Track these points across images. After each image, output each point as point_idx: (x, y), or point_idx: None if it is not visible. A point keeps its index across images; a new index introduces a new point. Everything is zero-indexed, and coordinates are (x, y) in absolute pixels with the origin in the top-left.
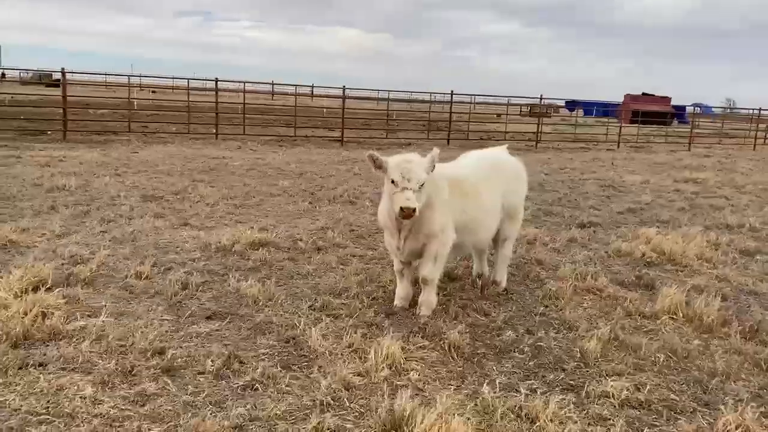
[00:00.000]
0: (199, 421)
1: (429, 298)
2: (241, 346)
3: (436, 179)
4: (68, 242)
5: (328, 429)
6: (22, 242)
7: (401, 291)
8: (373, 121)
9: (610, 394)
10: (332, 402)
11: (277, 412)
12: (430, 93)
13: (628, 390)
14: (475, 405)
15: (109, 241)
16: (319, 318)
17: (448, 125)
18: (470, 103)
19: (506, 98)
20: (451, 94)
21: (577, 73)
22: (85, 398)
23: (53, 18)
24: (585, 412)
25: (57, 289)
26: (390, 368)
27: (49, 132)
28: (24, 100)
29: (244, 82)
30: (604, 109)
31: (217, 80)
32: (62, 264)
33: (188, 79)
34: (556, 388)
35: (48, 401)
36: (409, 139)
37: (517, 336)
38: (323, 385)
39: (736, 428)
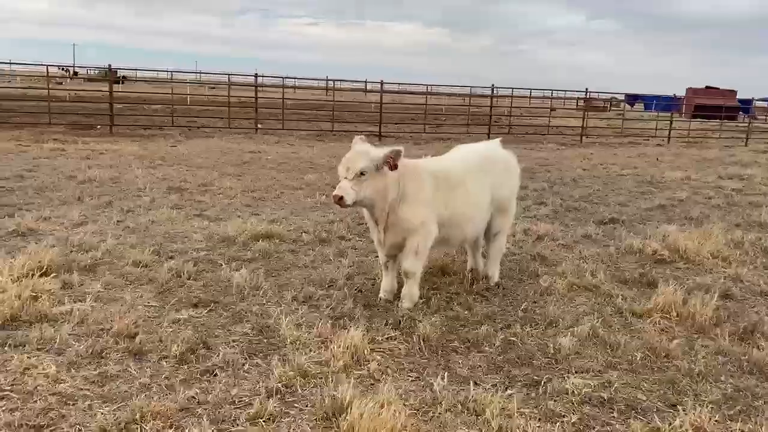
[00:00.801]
0: (146, 402)
1: (411, 291)
2: (215, 333)
3: (413, 174)
4: (83, 231)
5: (270, 414)
6: (41, 230)
7: (386, 284)
8: (419, 115)
9: (570, 390)
10: (284, 389)
11: (226, 396)
12: (470, 87)
13: (590, 387)
14: (423, 396)
15: (122, 230)
16: (297, 308)
17: (488, 120)
18: (527, 97)
19: (563, 92)
20: (492, 88)
21: (641, 66)
22: (48, 377)
23: (129, 17)
24: (539, 407)
25: (52, 275)
26: (352, 358)
27: (98, 126)
28: (85, 96)
29: (283, 78)
30: (666, 104)
31: (256, 76)
32: (70, 251)
33: (228, 74)
34: (518, 383)
35: (14, 379)
36: (450, 133)
37: (493, 330)
38: (277, 373)
39: (692, 429)
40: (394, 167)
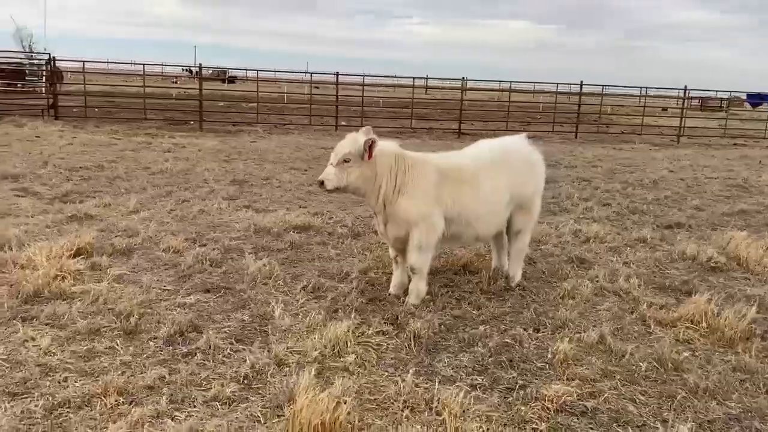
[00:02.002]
0: (114, 378)
1: (417, 287)
2: (213, 318)
3: (412, 167)
4: (136, 217)
5: (227, 398)
6: (98, 215)
7: (395, 279)
8: (513, 113)
9: (548, 397)
10: (254, 376)
11: (194, 378)
12: (556, 84)
13: (574, 395)
14: (388, 393)
15: (171, 218)
16: (301, 299)
17: (576, 118)
18: (633, 96)
19: (674, 90)
20: (581, 84)
21: None
22: (40, 350)
23: (243, 19)
24: (510, 412)
25: (81, 257)
26: (333, 349)
27: (191, 122)
28: (193, 94)
29: (364, 76)
30: None
31: (337, 74)
32: (115, 236)
33: (311, 73)
34: (500, 386)
35: (12, 350)
36: (533, 131)
37: (492, 331)
38: (249, 360)
39: None
40: (369, 156)
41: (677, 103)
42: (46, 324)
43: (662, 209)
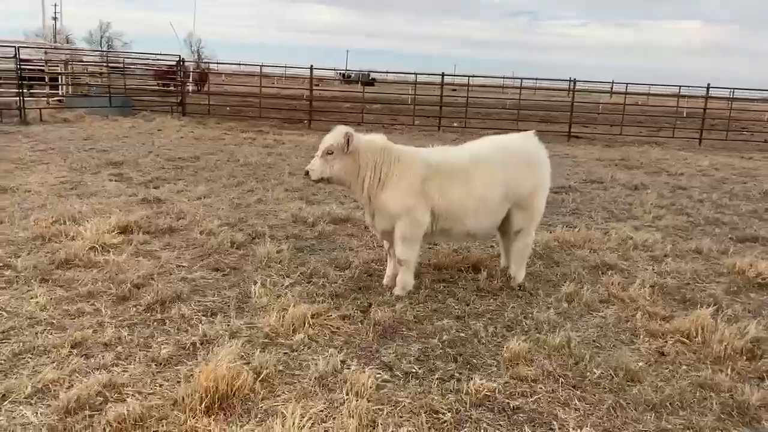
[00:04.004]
0: (74, 333)
1: (404, 279)
2: (205, 292)
3: (397, 160)
4: (199, 203)
5: (162, 360)
6: (165, 199)
7: (388, 270)
8: (644, 118)
9: (468, 390)
10: (202, 344)
11: (146, 341)
12: (679, 86)
13: (500, 393)
14: (309, 371)
15: (227, 205)
16: (294, 282)
17: (701, 123)
18: None
19: None
20: (707, 87)
21: None
22: (37, 305)
23: (395, 23)
24: (423, 400)
25: (118, 232)
26: (290, 327)
27: (305, 121)
28: (325, 95)
29: (466, 76)
30: None
31: (443, 75)
32: (167, 217)
33: (442, 75)
34: (433, 377)
35: (17, 303)
36: (654, 136)
37: (453, 325)
38: (202, 330)
39: None
40: (346, 149)
41: None
42: (60, 285)
43: (748, 222)
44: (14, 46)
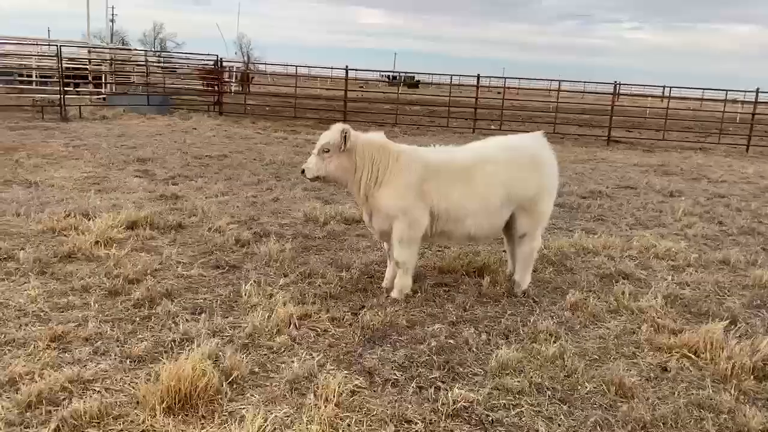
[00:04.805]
0: (56, 326)
1: (401, 282)
2: (198, 289)
3: (395, 160)
4: (214, 200)
5: (136, 356)
6: (184, 196)
7: (388, 272)
8: (692, 123)
9: (445, 401)
10: (182, 342)
11: (126, 337)
12: (726, 91)
13: (479, 404)
14: (286, 374)
15: (242, 202)
16: (290, 283)
17: (750, 129)
18: None
19: None
20: (756, 92)
21: None
22: (29, 297)
23: (447, 27)
24: (396, 407)
25: (124, 227)
26: (274, 329)
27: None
28: (369, 97)
29: (503, 78)
30: None
31: (478, 76)
32: (180, 213)
33: (478, 76)
34: (411, 383)
35: (10, 295)
36: (684, 143)
37: (443, 331)
38: (182, 328)
39: None
40: (343, 147)
41: None
42: (57, 279)
43: None
44: (56, 45)
